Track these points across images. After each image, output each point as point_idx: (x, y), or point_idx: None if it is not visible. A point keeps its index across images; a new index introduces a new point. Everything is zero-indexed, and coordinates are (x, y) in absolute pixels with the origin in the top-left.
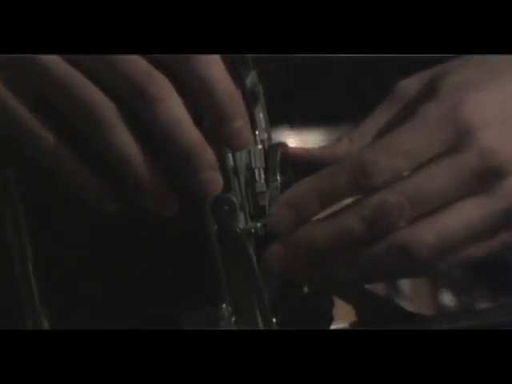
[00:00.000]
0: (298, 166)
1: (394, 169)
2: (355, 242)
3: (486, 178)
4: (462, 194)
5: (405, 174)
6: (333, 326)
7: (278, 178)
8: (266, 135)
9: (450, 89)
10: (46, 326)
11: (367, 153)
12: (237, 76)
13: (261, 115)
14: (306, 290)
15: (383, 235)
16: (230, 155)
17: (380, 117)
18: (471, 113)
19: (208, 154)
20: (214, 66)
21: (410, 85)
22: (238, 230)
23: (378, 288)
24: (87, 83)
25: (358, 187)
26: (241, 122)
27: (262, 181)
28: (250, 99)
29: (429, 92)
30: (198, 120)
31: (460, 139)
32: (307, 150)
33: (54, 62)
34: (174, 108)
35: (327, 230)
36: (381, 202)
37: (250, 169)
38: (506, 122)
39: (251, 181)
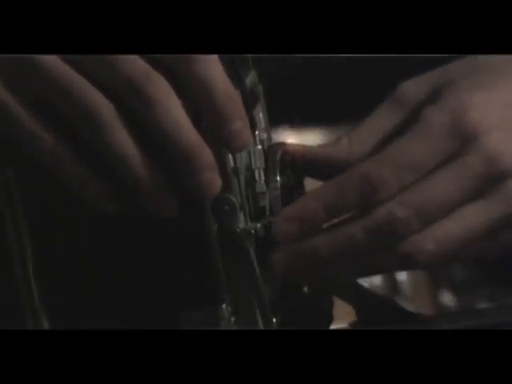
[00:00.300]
0: (298, 163)
1: (401, 180)
2: (359, 251)
3: (489, 182)
4: (465, 200)
5: (410, 181)
6: (333, 326)
7: (278, 178)
8: (265, 135)
9: (452, 93)
10: (46, 326)
11: (373, 166)
12: (236, 76)
13: (260, 115)
14: (306, 290)
15: (386, 244)
16: (230, 155)
17: (380, 118)
18: (474, 117)
19: (207, 154)
20: (213, 67)
21: (412, 87)
22: (238, 230)
23: (378, 288)
24: (86, 83)
25: (365, 200)
26: (240, 123)
27: (262, 181)
28: (249, 99)
29: (431, 96)
30: (197, 121)
31: (464, 144)
32: (307, 147)
33: (54, 62)
34: (173, 108)
35: (332, 240)
36: (388, 215)
37: (249, 169)
38: (510, 124)
39: (251, 181)
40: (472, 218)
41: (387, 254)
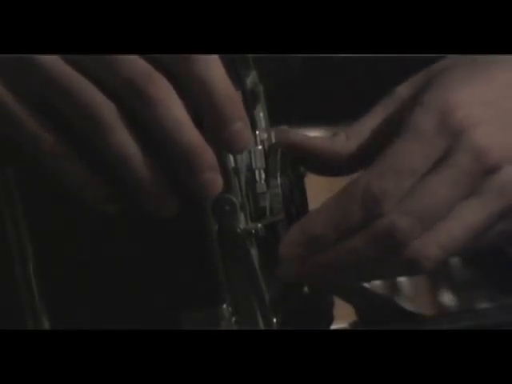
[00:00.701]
0: (296, 152)
1: (400, 188)
2: (364, 263)
3: (482, 178)
4: (461, 198)
5: (408, 188)
6: (333, 326)
7: (279, 178)
8: (266, 135)
9: (437, 92)
10: (46, 326)
11: (374, 179)
12: (237, 76)
13: (261, 115)
14: (306, 290)
15: (391, 254)
16: (231, 156)
17: (376, 117)
18: (460, 115)
19: (208, 154)
20: (213, 67)
21: (403, 89)
22: (238, 230)
23: (378, 288)
24: (87, 83)
25: (369, 214)
26: (240, 124)
27: (263, 181)
28: (250, 99)
29: (418, 98)
30: (198, 121)
31: (452, 144)
32: (308, 137)
33: (54, 62)
34: (174, 109)
35: (336, 255)
36: (391, 225)
37: (250, 169)
38: (495, 118)
39: (252, 181)
40: (471, 216)
41: (393, 263)
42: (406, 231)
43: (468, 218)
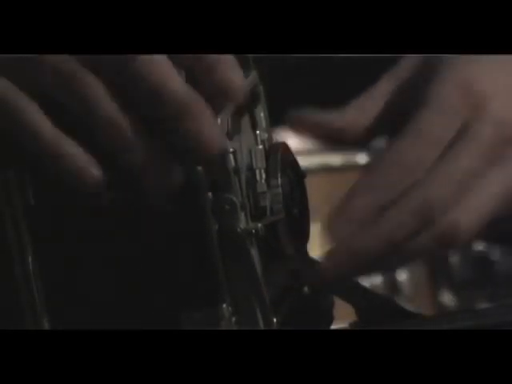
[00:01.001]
0: (314, 135)
1: (427, 159)
2: (406, 236)
3: (504, 148)
4: (485, 168)
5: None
6: (333, 326)
7: (279, 178)
8: (266, 135)
9: (452, 67)
10: (46, 326)
11: (409, 149)
12: None
13: (261, 115)
14: (306, 290)
15: (426, 226)
16: (231, 155)
17: (385, 87)
18: (478, 87)
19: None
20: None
21: (413, 62)
22: (238, 230)
23: (378, 288)
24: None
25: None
26: (227, 66)
27: (263, 181)
28: (250, 99)
29: (432, 71)
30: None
31: (472, 114)
32: (316, 116)
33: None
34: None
35: (380, 233)
36: (426, 197)
37: (250, 169)
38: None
39: (252, 181)
40: (497, 185)
41: (427, 235)
42: (440, 201)
43: (494, 186)
